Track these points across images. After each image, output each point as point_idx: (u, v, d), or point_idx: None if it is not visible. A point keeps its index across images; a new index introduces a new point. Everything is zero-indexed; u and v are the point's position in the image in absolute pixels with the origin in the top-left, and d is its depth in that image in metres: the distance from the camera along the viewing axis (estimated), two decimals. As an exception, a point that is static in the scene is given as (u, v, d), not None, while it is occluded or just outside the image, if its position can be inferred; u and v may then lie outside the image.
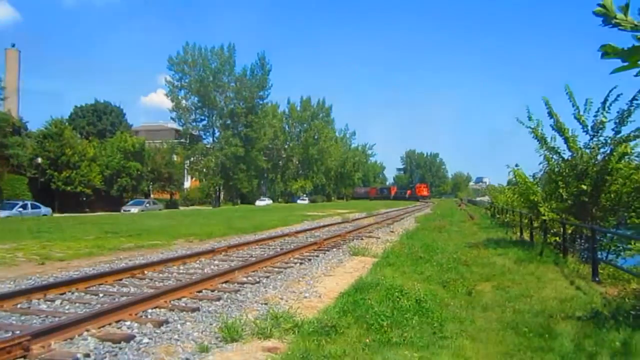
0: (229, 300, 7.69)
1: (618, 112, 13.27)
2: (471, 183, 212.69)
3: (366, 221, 29.43)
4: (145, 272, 10.12)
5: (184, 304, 7.38)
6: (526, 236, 18.87)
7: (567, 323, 6.68)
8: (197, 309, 7.03)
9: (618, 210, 14.09)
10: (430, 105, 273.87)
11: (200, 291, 8.21)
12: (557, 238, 14.77)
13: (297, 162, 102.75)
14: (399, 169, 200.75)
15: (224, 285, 8.82)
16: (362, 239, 18.07)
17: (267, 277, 9.76)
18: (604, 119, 13.44)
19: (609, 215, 14.17)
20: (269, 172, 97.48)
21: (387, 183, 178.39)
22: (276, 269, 10.76)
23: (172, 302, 7.36)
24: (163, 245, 15.77)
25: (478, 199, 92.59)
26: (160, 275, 10.03)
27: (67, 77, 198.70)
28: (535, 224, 17.33)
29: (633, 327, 6.08)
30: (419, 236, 18.13)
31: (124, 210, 48.92)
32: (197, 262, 11.86)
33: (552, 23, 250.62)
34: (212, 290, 8.37)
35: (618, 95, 13.22)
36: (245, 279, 9.40)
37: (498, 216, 31.15)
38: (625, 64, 2.13)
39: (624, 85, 15.08)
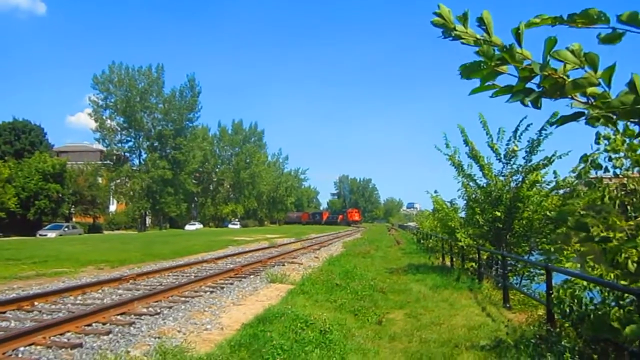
0: (119, 335, 7.05)
1: (528, 141, 13.71)
2: (403, 208, 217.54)
3: (293, 246, 29.03)
4: (36, 303, 9.27)
5: (65, 340, 6.69)
6: (447, 261, 19.12)
7: (471, 353, 6.54)
8: (79, 345, 6.37)
9: (530, 237, 14.45)
10: (363, 130, 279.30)
11: (90, 324, 7.52)
12: (474, 264, 14.97)
13: (228, 186, 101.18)
14: (332, 194, 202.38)
15: (119, 317, 8.15)
16: (284, 265, 17.66)
17: (170, 307, 9.14)
18: (515, 148, 13.84)
19: (522, 241, 14.51)
20: (199, 196, 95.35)
21: (321, 208, 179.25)
22: (183, 299, 10.15)
23: (52, 338, 6.65)
24: (69, 273, 14.69)
25: (410, 224, 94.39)
26: (53, 306, 9.20)
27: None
28: (455, 250, 17.58)
29: (532, 356, 6.00)
30: (341, 262, 17.90)
31: (40, 235, 46.05)
32: (99, 291, 11.04)
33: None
34: (104, 324, 7.69)
35: (528, 125, 13.69)
36: (145, 310, 8.75)
37: (423, 242, 31.60)
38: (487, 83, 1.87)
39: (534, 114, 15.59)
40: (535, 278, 14.56)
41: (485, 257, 14.67)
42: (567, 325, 6.99)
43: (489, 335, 7.45)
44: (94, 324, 7.58)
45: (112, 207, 78.63)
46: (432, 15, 1.76)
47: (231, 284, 12.60)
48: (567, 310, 6.30)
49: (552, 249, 13.42)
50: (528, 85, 1.77)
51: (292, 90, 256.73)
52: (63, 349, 6.22)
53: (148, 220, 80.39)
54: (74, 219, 65.92)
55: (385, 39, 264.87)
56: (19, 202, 54.66)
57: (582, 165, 11.78)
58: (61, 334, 6.90)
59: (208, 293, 10.99)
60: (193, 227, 79.89)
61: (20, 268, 14.94)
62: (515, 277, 14.27)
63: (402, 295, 11.42)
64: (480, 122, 14.41)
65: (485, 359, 6.30)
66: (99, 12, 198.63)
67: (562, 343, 5.93)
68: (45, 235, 45.61)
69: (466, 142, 14.83)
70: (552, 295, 7.15)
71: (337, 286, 11.80)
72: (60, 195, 59.74)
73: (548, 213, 13.50)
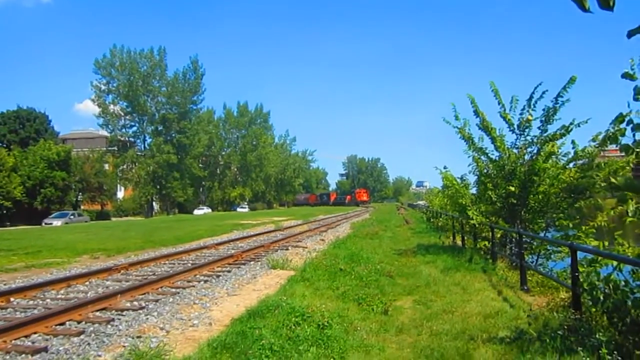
0: (92, 335, 6.29)
1: (544, 109, 12.72)
2: (413, 187, 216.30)
3: (299, 229, 28.29)
4: (12, 299, 8.57)
5: (29, 344, 5.94)
6: (459, 241, 18.29)
7: (488, 348, 5.72)
8: (43, 350, 5.62)
9: (547, 212, 13.52)
10: (371, 108, 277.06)
11: (63, 323, 6.78)
12: (487, 243, 14.12)
13: (235, 169, 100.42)
14: (341, 175, 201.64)
15: (97, 314, 7.41)
16: (287, 249, 16.91)
17: (157, 300, 8.38)
18: (530, 117, 12.86)
19: (538, 217, 13.58)
20: (206, 180, 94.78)
21: (330, 188, 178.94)
22: (173, 290, 9.41)
23: (14, 341, 5.92)
24: (60, 263, 14.03)
25: (419, 202, 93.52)
26: (30, 302, 8.49)
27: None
28: (467, 228, 16.73)
29: (560, 351, 5.17)
30: (347, 245, 17.10)
31: (46, 224, 45.68)
32: (86, 283, 10.33)
33: (476, 22, 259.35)
34: (80, 322, 6.94)
35: (543, 92, 12.67)
36: (128, 305, 8.00)
37: (433, 220, 30.74)
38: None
39: (549, 81, 14.56)
40: (552, 256, 13.71)
41: (498, 235, 13.83)
42: (596, 312, 6.15)
43: (508, 325, 6.63)
44: (67, 323, 6.84)
45: (120, 194, 78.36)
46: None
47: (229, 271, 11.85)
48: (601, 297, 5.42)
49: (571, 225, 12.61)
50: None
51: (299, 71, 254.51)
52: (23, 355, 5.47)
53: (156, 206, 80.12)
54: (82, 207, 65.67)
55: (393, 21, 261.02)
56: (24, 191, 54.33)
57: (608, 130, 10.80)
58: (27, 336, 6.16)
59: (202, 283, 10.24)
60: (201, 211, 79.58)
61: (9, 260, 14.30)
62: (530, 256, 13.39)
63: (411, 279, 10.63)
64: (492, 91, 13.43)
65: (505, 355, 5.47)
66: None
67: (596, 336, 5.07)
68: (51, 223, 45.24)
69: (477, 113, 13.86)
70: (580, 279, 6.26)
71: (341, 271, 11.01)
72: (67, 182, 59.36)
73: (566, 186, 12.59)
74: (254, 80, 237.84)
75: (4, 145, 60.12)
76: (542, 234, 13.45)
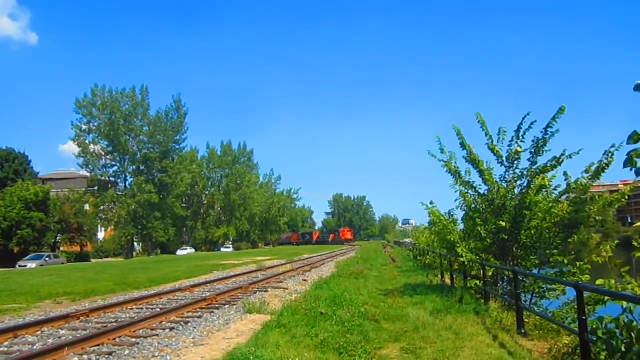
0: (22, 401, 5.32)
1: (533, 141, 12.15)
2: (399, 225, 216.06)
3: (282, 269, 27.23)
4: (-55, 355, 7.51)
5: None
6: (448, 279, 17.44)
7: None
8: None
9: (539, 248, 12.78)
10: (356, 148, 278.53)
11: (-7, 385, 5.80)
12: (478, 282, 13.29)
13: (219, 209, 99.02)
14: (327, 213, 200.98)
15: (37, 372, 6.42)
16: (266, 291, 15.92)
17: (111, 353, 7.38)
18: (518, 149, 12.28)
19: (530, 254, 12.82)
20: (189, 220, 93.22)
21: (316, 227, 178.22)
22: (132, 340, 8.40)
23: None
24: (18, 310, 12.89)
25: (406, 240, 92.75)
26: (-34, 358, 7.45)
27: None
28: (456, 266, 15.92)
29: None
30: (330, 285, 16.15)
31: (20, 266, 43.91)
32: (37, 333, 9.27)
33: (463, 53, 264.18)
34: (14, 383, 5.95)
35: (532, 123, 12.11)
36: (76, 359, 7.00)
37: (420, 258, 29.88)
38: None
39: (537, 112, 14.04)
40: (547, 294, 12.92)
41: (490, 273, 13.03)
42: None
43: (509, 379, 5.79)
44: (-2, 384, 5.86)
45: (101, 235, 76.54)
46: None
47: (199, 317, 10.85)
48: (623, 348, 4.60)
49: (566, 261, 11.87)
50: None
51: (283, 109, 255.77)
52: None
53: (138, 247, 78.26)
54: (60, 248, 63.84)
55: (376, 47, 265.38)
56: (0, 232, 52.61)
57: (601, 161, 10.17)
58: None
59: (167, 331, 9.24)
60: (185, 252, 77.90)
61: (-38, 306, 13.15)
62: (524, 294, 12.56)
63: (397, 323, 9.74)
64: (478, 122, 12.85)
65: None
66: (87, 40, 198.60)
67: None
68: (25, 266, 43.48)
69: (463, 145, 13.23)
70: (593, 326, 5.44)
71: (322, 315, 10.08)
72: (45, 223, 57.74)
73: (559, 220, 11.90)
74: (237, 119, 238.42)
75: (-20, 186, 58.67)
76: (535, 271, 12.69)
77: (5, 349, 8.03)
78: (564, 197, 12.41)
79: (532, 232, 12.34)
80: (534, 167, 12.21)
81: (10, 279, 23.10)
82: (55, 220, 61.90)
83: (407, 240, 74.00)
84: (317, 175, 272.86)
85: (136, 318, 10.28)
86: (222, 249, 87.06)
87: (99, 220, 71.30)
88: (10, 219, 53.96)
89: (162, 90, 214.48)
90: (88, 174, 73.04)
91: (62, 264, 48.23)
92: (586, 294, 7.35)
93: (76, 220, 63.55)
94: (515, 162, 12.53)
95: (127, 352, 7.50)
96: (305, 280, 19.99)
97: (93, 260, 62.02)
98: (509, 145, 12.50)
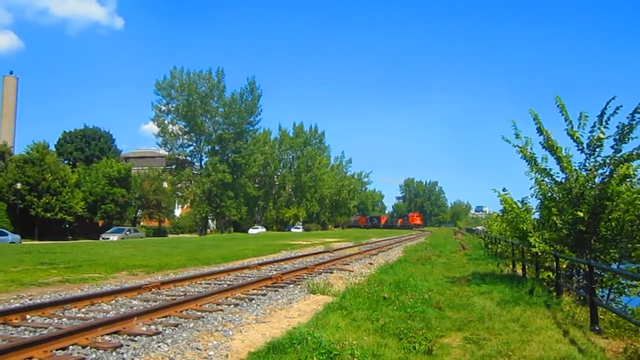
0: (90, 365, 5.61)
1: (617, 127, 11.35)
2: (471, 212, 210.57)
3: (349, 251, 27.32)
4: (28, 316, 8.07)
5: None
6: (519, 270, 16.80)
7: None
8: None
9: (620, 241, 12.00)
10: (430, 133, 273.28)
11: (66, 348, 6.15)
12: (551, 273, 12.70)
13: (290, 190, 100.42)
14: (398, 198, 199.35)
15: (107, 338, 6.75)
16: (331, 273, 15.99)
17: (177, 325, 7.64)
18: (601, 135, 11.52)
19: (610, 247, 12.06)
20: (261, 200, 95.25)
21: (386, 211, 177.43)
22: (198, 313, 8.67)
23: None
24: (97, 279, 13.67)
25: (478, 227, 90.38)
26: (46, 320, 7.97)
27: (67, 103, 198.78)
28: (528, 256, 15.27)
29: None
30: (395, 270, 16.01)
31: (103, 238, 46.72)
32: (112, 302, 9.78)
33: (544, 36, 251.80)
34: (84, 346, 6.28)
35: (617, 108, 11.32)
36: (144, 329, 7.30)
37: (491, 246, 28.97)
38: None
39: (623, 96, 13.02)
40: (626, 290, 12.17)
41: (564, 265, 12.39)
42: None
43: (578, 376, 5.49)
44: (71, 347, 6.20)
45: (177, 212, 79.85)
46: None
47: (264, 294, 11.06)
48: None
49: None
50: None
51: (357, 95, 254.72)
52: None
53: (212, 224, 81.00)
54: (140, 223, 67.34)
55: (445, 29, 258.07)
56: (86, 206, 56.09)
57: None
58: (20, 362, 5.54)
59: (232, 306, 9.48)
60: (256, 230, 79.93)
61: (48, 273, 14.09)
62: (600, 289, 11.88)
63: (462, 312, 9.48)
64: (557, 106, 12.17)
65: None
66: (169, 23, 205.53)
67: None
68: (108, 238, 46.18)
69: (540, 131, 12.59)
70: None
71: (384, 300, 9.99)
72: (126, 199, 60.97)
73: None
74: (310, 102, 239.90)
75: (70, 163, 62.59)
76: (614, 266, 11.96)
77: (82, 315, 8.53)
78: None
79: (613, 224, 11.61)
80: (618, 155, 11.42)
81: (92, 250, 24.60)
82: (136, 196, 65.30)
83: (479, 227, 72.03)
84: (388, 160, 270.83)
85: (203, 292, 10.60)
86: (292, 229, 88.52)
87: (176, 198, 74.27)
88: (95, 194, 57.38)
89: (237, 73, 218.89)
90: (166, 153, 76.20)
91: (141, 237, 50.83)
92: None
93: (155, 197, 66.68)
94: (597, 150, 11.79)
95: (191, 324, 7.76)
96: (370, 264, 19.92)
97: (169, 236, 64.98)
98: (591, 132, 11.77)
